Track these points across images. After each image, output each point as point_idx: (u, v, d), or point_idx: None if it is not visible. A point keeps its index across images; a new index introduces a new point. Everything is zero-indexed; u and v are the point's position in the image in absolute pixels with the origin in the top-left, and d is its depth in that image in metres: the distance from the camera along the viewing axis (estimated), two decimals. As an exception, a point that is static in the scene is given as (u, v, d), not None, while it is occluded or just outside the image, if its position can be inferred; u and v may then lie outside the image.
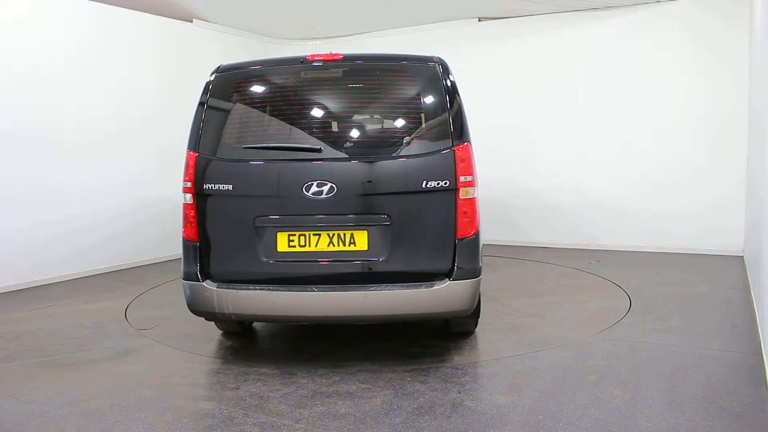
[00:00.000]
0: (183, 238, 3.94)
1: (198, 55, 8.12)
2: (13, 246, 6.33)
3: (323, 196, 3.70)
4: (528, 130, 8.53)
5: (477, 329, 4.53)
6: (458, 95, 3.92)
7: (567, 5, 8.03)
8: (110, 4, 7.19)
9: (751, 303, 5.16)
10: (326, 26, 9.56)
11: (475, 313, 4.21)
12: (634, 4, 7.87)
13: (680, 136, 7.74)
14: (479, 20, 8.91)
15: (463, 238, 3.74)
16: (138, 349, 4.34)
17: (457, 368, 3.76)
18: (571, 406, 3.16)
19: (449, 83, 3.91)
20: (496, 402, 3.23)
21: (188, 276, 3.89)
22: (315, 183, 3.70)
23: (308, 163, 3.78)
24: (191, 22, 8.40)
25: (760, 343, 4.07)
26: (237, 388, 3.51)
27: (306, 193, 3.71)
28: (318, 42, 10.01)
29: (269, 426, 3.00)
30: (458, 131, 3.80)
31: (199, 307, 3.89)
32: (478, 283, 3.84)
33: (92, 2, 7.04)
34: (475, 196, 3.80)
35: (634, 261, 7.36)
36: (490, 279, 6.50)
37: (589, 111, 8.24)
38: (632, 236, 8.06)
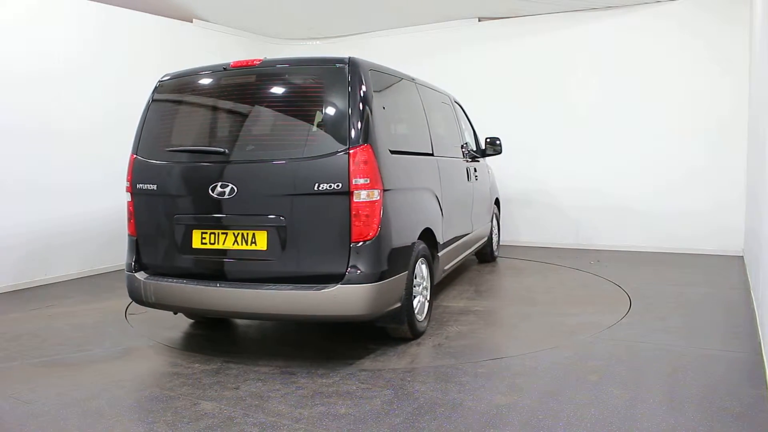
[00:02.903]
0: (127, 232, 4.38)
1: (198, 55, 8.10)
2: (13, 245, 6.33)
3: (226, 197, 3.89)
4: (528, 131, 8.53)
5: (426, 336, 4.40)
6: (365, 96, 3.87)
7: (567, 5, 8.03)
8: (110, 4, 7.20)
9: (751, 303, 5.16)
10: (326, 26, 9.56)
11: (397, 319, 4.11)
12: (634, 4, 7.87)
13: (680, 136, 7.74)
14: (479, 20, 8.92)
15: (358, 242, 3.71)
16: (138, 349, 4.34)
17: (457, 368, 3.76)
18: (571, 406, 3.15)
19: (356, 85, 3.86)
20: (496, 402, 3.23)
21: (127, 267, 4.32)
22: (219, 184, 3.90)
23: (214, 165, 3.98)
24: (191, 22, 8.41)
25: (760, 343, 4.07)
26: (237, 388, 3.51)
27: (212, 193, 3.92)
28: (318, 42, 10.01)
29: (269, 426, 3.00)
30: (358, 133, 3.76)
31: (132, 295, 4.29)
32: (379, 288, 3.74)
33: (92, 2, 7.04)
34: (377, 199, 3.75)
35: (634, 261, 7.36)
36: (500, 284, 6.50)
37: (589, 111, 8.24)
38: (632, 236, 8.06)
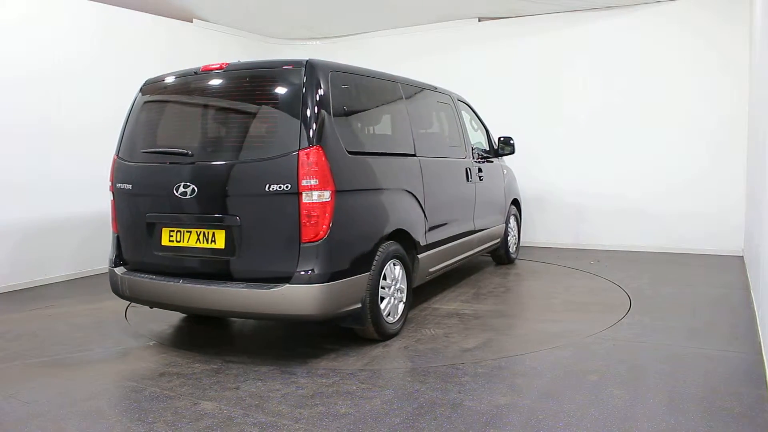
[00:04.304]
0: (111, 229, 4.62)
1: (198, 55, 8.10)
2: (12, 245, 6.34)
3: (188, 196, 4.02)
4: (527, 131, 8.51)
5: (398, 338, 4.37)
6: (320, 98, 3.90)
7: (567, 5, 8.03)
8: (110, 4, 7.20)
9: (751, 303, 5.16)
10: (326, 26, 9.56)
11: (360, 320, 4.11)
12: (634, 4, 7.87)
13: (681, 136, 7.74)
14: (479, 20, 8.91)
15: (308, 242, 3.75)
16: (138, 349, 4.34)
17: (457, 368, 3.76)
18: (571, 406, 3.15)
19: (311, 86, 3.89)
20: (496, 402, 3.23)
21: (109, 262, 4.54)
22: (182, 184, 4.03)
23: (179, 166, 4.12)
24: (191, 22, 8.41)
25: (760, 343, 4.07)
26: (237, 388, 3.51)
27: (176, 193, 4.05)
28: (318, 42, 10.01)
29: (269, 426, 3.00)
30: (309, 135, 3.80)
31: (113, 289, 4.51)
32: (329, 289, 3.78)
33: (92, 2, 7.04)
34: (328, 200, 3.78)
35: (634, 261, 7.36)
36: (504, 286, 6.49)
37: (589, 111, 8.24)
38: (632, 236, 8.06)
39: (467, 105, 6.63)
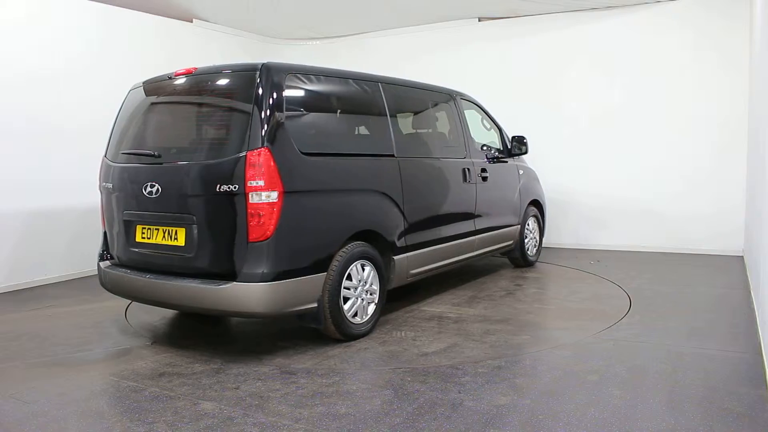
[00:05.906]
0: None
1: (198, 55, 8.11)
2: (12, 245, 6.34)
3: (153, 196, 4.21)
4: (527, 131, 8.48)
5: (365, 339, 4.36)
6: (272, 101, 3.96)
7: (567, 5, 8.03)
8: (110, 4, 7.20)
9: (751, 303, 5.16)
10: (326, 26, 9.56)
11: (316, 319, 4.15)
12: (635, 4, 7.87)
13: (681, 136, 7.74)
14: (479, 20, 8.91)
15: (255, 242, 3.84)
16: (138, 348, 4.34)
17: (457, 368, 3.76)
18: (571, 406, 3.15)
19: (265, 89, 3.96)
20: (496, 402, 3.23)
21: (98, 257, 4.81)
22: (149, 184, 4.23)
23: (147, 166, 4.33)
24: (191, 22, 8.41)
25: (760, 343, 4.07)
26: (237, 388, 3.51)
27: (144, 192, 4.25)
28: (318, 42, 10.01)
29: (269, 426, 3.00)
30: (258, 137, 3.87)
31: (100, 282, 4.76)
32: (276, 288, 3.84)
33: (92, 2, 7.04)
34: (275, 201, 3.84)
35: (634, 261, 7.36)
36: (506, 289, 6.48)
37: (589, 112, 8.24)
38: (632, 236, 8.06)
39: (476, 104, 6.51)
